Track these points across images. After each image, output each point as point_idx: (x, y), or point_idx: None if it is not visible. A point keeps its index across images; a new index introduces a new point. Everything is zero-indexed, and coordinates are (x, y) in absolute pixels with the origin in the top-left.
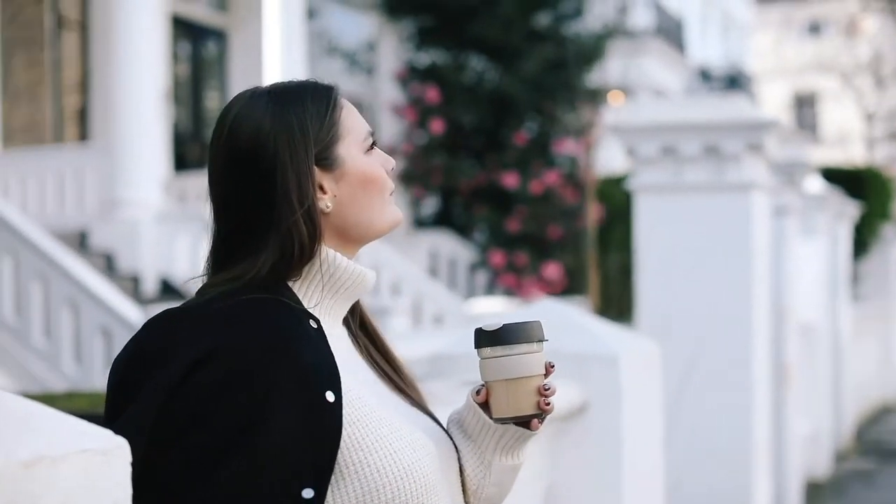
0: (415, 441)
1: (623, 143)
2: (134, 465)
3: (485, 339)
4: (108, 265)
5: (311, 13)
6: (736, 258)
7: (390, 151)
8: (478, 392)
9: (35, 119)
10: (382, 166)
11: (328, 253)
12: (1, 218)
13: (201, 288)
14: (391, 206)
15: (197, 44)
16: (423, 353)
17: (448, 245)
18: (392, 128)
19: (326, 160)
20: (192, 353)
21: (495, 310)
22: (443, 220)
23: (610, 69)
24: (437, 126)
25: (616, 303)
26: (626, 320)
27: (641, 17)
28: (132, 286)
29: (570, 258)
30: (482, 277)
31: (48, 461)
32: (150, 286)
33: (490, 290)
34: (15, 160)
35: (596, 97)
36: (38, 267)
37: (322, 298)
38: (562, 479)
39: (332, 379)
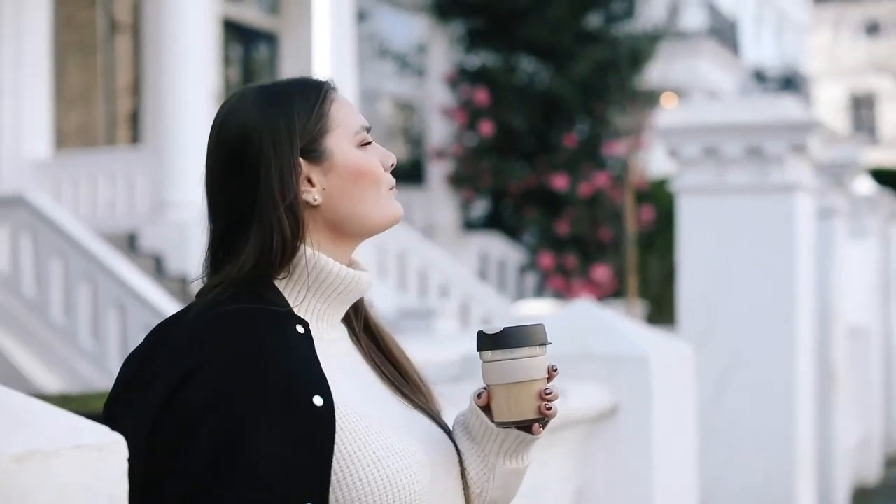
0: (403, 449)
1: (666, 144)
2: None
3: (486, 342)
4: (157, 267)
5: (362, 16)
6: (779, 260)
7: (440, 153)
8: (479, 395)
9: (88, 122)
10: (381, 161)
11: (312, 253)
12: (50, 220)
13: (199, 291)
14: (389, 202)
15: (248, 47)
16: (458, 356)
17: (498, 247)
18: (442, 130)
19: (314, 152)
20: (169, 377)
21: (543, 312)
22: (493, 222)
23: (662, 71)
24: (486, 128)
25: (668, 305)
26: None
27: (694, 18)
28: (180, 287)
29: (619, 260)
30: (531, 279)
31: (41, 456)
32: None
33: (539, 292)
34: (67, 162)
35: (647, 99)
36: (86, 269)
37: (311, 300)
38: (592, 481)
39: (319, 384)
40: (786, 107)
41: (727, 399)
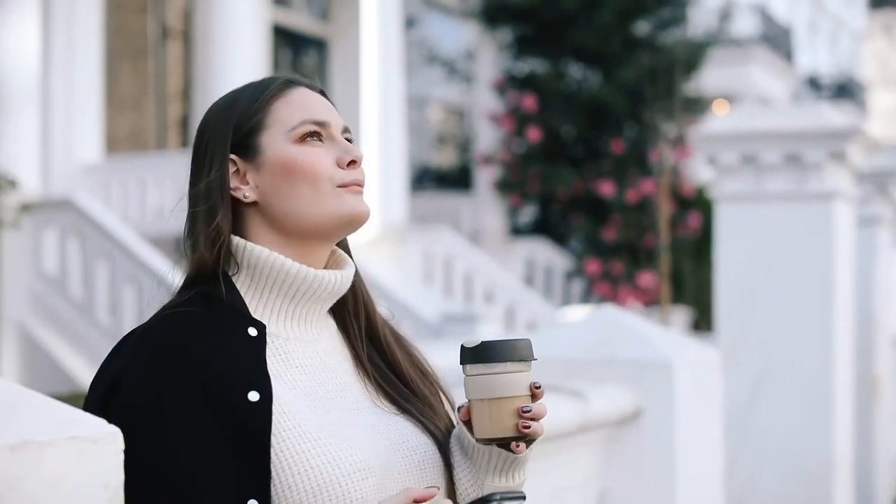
0: (343, 458)
1: (705, 152)
2: None
3: (468, 355)
4: None
5: (411, 22)
6: (817, 267)
7: (488, 159)
8: (460, 409)
9: (139, 127)
10: (337, 158)
11: (251, 249)
12: (97, 223)
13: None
14: (337, 199)
15: (297, 52)
16: None
17: (545, 253)
18: (490, 136)
19: (247, 148)
20: (103, 381)
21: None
22: (540, 228)
23: (713, 77)
24: (534, 134)
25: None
26: None
27: (747, 25)
28: None
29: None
30: (578, 286)
31: (35, 445)
32: None
33: (586, 298)
34: (118, 167)
35: (695, 106)
36: (132, 271)
37: (273, 300)
38: (614, 485)
39: (257, 381)
40: (825, 114)
41: (762, 405)
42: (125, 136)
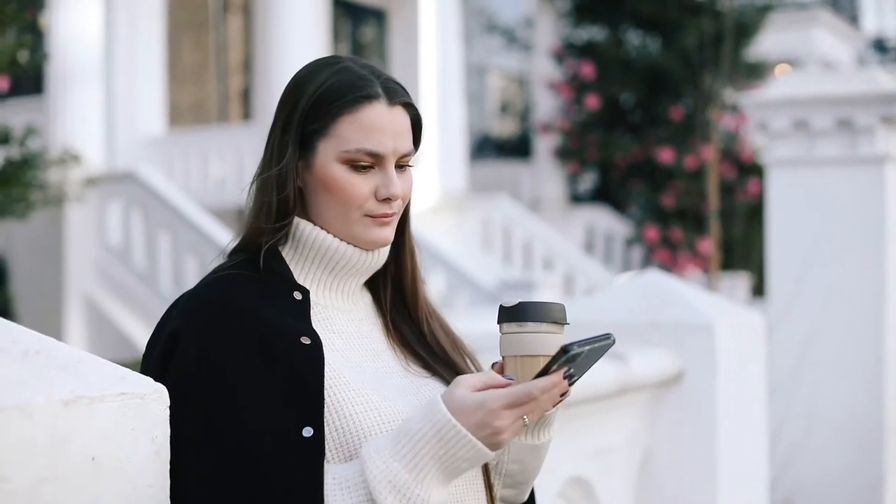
0: (381, 408)
1: (756, 117)
2: None
3: (504, 314)
4: None
5: None
6: (868, 232)
7: (547, 127)
8: (493, 365)
9: (200, 99)
10: (376, 189)
11: (305, 224)
12: (160, 195)
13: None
14: (363, 228)
15: (357, 24)
16: None
17: (604, 220)
18: (549, 104)
19: (306, 147)
20: (162, 336)
21: None
22: (599, 195)
23: (776, 42)
24: (592, 102)
25: None
26: None
27: None
28: None
29: (725, 233)
30: (637, 253)
31: (86, 401)
32: None
33: (645, 265)
34: (180, 139)
35: (756, 71)
36: (194, 242)
37: (315, 271)
38: (658, 445)
39: (307, 331)
40: (876, 78)
41: (811, 370)
42: (187, 108)
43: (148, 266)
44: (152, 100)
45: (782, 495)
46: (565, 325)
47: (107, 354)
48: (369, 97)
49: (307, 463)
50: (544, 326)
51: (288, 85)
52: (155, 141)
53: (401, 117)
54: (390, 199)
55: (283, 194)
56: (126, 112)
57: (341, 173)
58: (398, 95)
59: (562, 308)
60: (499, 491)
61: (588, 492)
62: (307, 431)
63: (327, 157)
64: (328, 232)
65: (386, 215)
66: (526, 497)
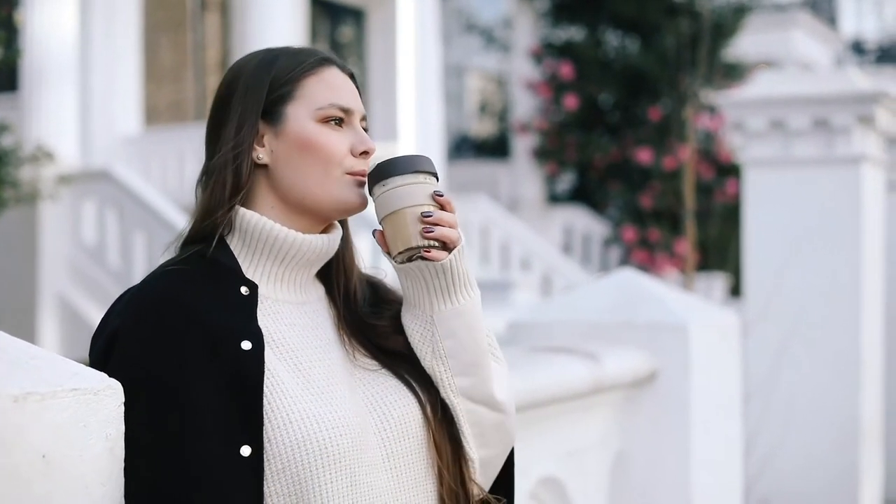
0: (321, 415)
1: (732, 117)
2: None
3: (369, 181)
4: None
5: None
6: (845, 232)
7: (525, 127)
8: (373, 233)
9: (178, 98)
10: (351, 146)
11: (245, 213)
12: (135, 194)
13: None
14: (342, 186)
15: (335, 23)
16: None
17: (582, 220)
18: (527, 104)
19: (271, 114)
20: (103, 335)
21: None
22: (577, 195)
23: (754, 43)
24: (571, 102)
25: None
26: None
27: None
28: None
29: (703, 234)
30: (616, 253)
31: (37, 397)
32: None
33: (623, 265)
34: (157, 138)
35: (735, 72)
36: (169, 241)
37: (264, 263)
38: (631, 446)
39: (251, 332)
40: (852, 78)
41: (787, 370)
42: (164, 107)
43: (122, 265)
44: (128, 98)
45: (759, 496)
46: (432, 174)
47: (80, 353)
48: (328, 60)
49: (244, 483)
50: (407, 178)
51: (225, 77)
52: (131, 139)
53: (351, 83)
54: (367, 154)
55: (237, 164)
56: (102, 110)
57: (318, 129)
58: (346, 65)
59: (425, 159)
60: (452, 379)
61: (560, 492)
62: (245, 451)
63: (300, 118)
64: (306, 197)
65: (363, 173)
66: (489, 392)
